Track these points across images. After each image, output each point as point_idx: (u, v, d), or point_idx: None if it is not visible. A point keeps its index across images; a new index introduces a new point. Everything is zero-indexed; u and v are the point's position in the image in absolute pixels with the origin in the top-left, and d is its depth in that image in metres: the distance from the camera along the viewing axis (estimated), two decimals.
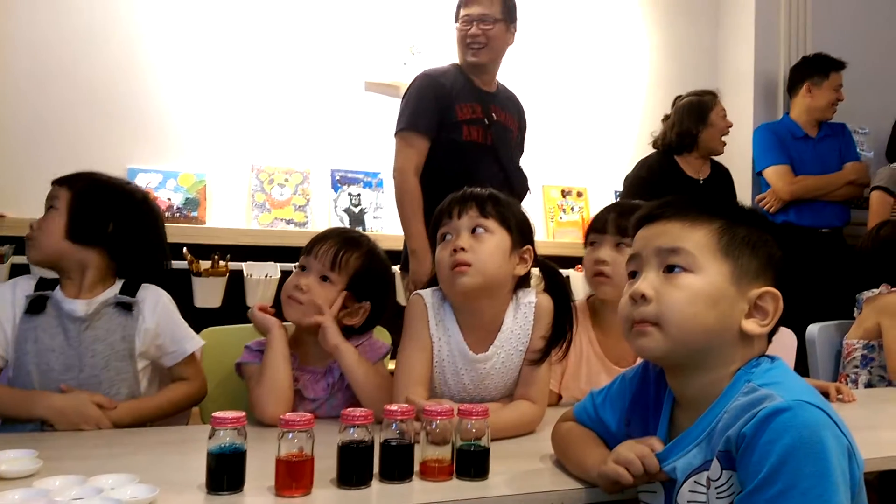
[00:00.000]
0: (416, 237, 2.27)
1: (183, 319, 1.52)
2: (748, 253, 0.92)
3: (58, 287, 1.45)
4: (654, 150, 3.02)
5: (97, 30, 2.86)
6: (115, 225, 1.46)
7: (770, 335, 0.95)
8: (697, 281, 0.90)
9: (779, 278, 0.93)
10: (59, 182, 1.50)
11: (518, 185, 2.48)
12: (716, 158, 3.07)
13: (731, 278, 0.91)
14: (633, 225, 1.01)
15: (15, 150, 2.75)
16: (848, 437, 0.83)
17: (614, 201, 1.61)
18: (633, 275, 0.96)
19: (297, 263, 1.48)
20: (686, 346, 0.91)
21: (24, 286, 1.45)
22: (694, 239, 0.92)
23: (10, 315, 1.40)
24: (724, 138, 2.97)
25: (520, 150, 2.65)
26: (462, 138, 2.40)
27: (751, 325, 0.91)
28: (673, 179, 2.88)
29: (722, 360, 0.91)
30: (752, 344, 0.92)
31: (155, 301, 1.47)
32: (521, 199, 2.38)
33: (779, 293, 0.91)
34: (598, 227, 1.54)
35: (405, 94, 2.48)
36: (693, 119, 2.93)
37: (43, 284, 1.46)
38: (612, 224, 1.51)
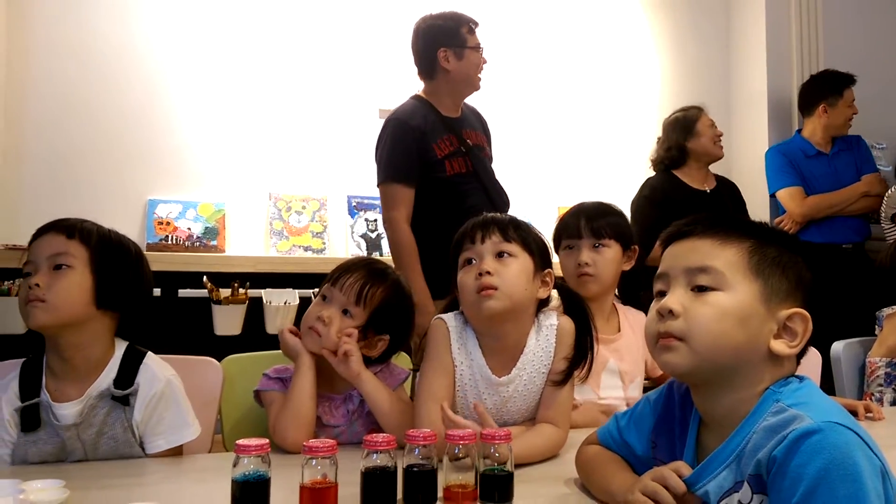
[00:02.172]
0: (418, 292, 1.98)
1: (178, 411, 1.34)
2: (778, 273, 0.91)
3: (43, 385, 1.28)
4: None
5: (117, 68, 2.93)
6: (134, 285, 1.34)
7: (799, 357, 0.94)
8: (727, 299, 0.90)
9: (808, 300, 0.92)
10: (61, 232, 1.29)
11: (500, 202, 2.45)
12: (721, 173, 3.10)
13: (761, 298, 0.90)
14: (661, 242, 1.01)
15: (40, 183, 2.81)
16: (881, 458, 0.81)
17: (578, 205, 1.78)
18: (661, 294, 0.95)
19: (318, 291, 1.48)
20: (713, 363, 0.90)
21: (10, 397, 1.27)
22: (724, 257, 0.91)
23: (8, 435, 1.26)
24: (720, 145, 2.96)
25: (491, 162, 2.60)
26: (447, 174, 2.38)
27: (779, 346, 0.90)
28: (678, 193, 2.89)
29: (750, 379, 0.90)
30: (781, 364, 0.91)
31: (146, 394, 1.30)
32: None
33: (808, 315, 0.90)
34: (572, 233, 1.71)
35: (380, 140, 2.43)
36: (680, 132, 2.98)
37: (27, 386, 1.27)
38: (587, 229, 1.69)
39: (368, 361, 1.43)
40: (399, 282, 1.48)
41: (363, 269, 1.44)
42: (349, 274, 1.43)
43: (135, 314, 1.36)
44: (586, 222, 1.69)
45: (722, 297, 0.90)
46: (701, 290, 0.91)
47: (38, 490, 1.00)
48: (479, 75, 2.48)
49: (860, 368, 2.26)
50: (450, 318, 1.38)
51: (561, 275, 1.70)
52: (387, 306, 1.43)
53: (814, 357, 1.93)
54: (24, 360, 1.31)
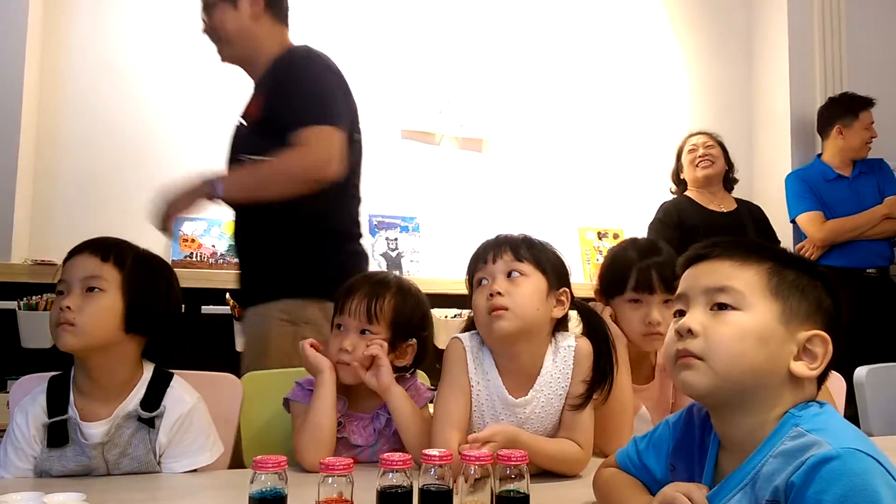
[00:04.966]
0: None
1: (198, 436, 1.34)
2: (798, 295, 0.91)
3: (71, 402, 1.29)
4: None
5: (146, 87, 3.00)
6: (163, 310, 1.35)
7: (820, 381, 0.93)
8: (746, 318, 0.89)
9: (828, 325, 0.92)
10: (96, 253, 1.29)
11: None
12: (742, 195, 3.14)
13: (781, 318, 0.90)
14: (680, 265, 1.01)
15: (69, 200, 2.87)
16: None
17: (632, 243, 1.61)
18: (680, 314, 0.95)
19: (334, 320, 1.48)
20: (732, 384, 0.89)
21: (37, 412, 1.28)
22: (743, 278, 0.91)
23: (32, 449, 1.28)
24: (703, 165, 2.99)
25: (276, 121, 1.82)
26: None
27: (799, 368, 0.89)
28: (692, 215, 2.91)
29: (769, 401, 0.89)
30: (802, 387, 0.90)
31: (172, 417, 1.31)
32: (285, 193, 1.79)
33: (828, 337, 0.90)
34: (642, 286, 1.52)
35: None
36: (676, 161, 3.11)
37: (54, 401, 1.28)
38: (659, 282, 1.51)
39: (405, 370, 1.46)
40: (403, 285, 1.48)
41: (363, 288, 1.44)
42: (352, 297, 1.43)
43: (162, 338, 1.37)
44: (659, 276, 1.49)
45: (741, 316, 0.90)
46: (720, 308, 0.91)
47: (59, 502, 1.01)
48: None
49: (886, 395, 2.22)
50: (466, 337, 1.38)
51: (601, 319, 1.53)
52: (400, 313, 1.44)
53: (837, 383, 1.90)
54: (51, 375, 1.33)
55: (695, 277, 0.96)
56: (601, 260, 3.45)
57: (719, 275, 0.93)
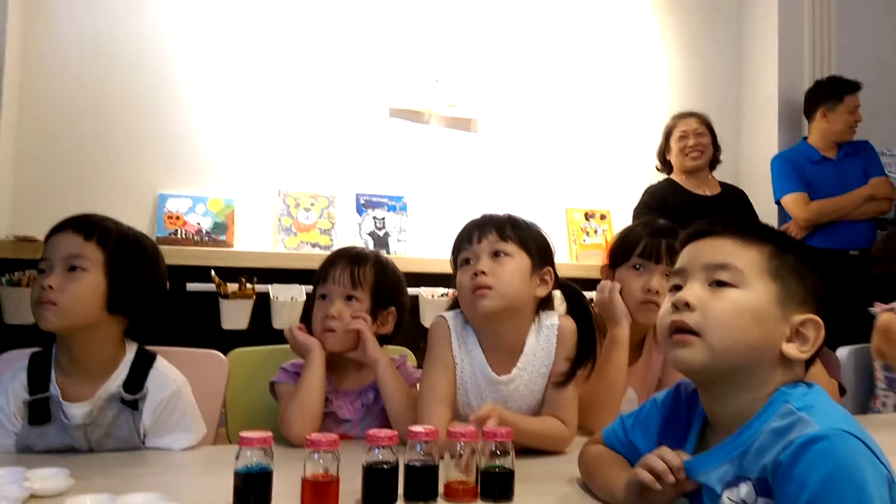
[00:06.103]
0: None
1: (182, 417, 1.33)
2: (796, 279, 0.93)
3: (53, 380, 1.27)
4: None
5: (129, 64, 2.95)
6: (146, 290, 1.33)
7: (808, 365, 0.94)
8: (744, 296, 0.91)
9: (821, 310, 0.93)
10: (79, 232, 1.27)
11: None
12: (728, 177, 3.16)
13: (777, 300, 0.91)
14: (681, 241, 1.01)
15: (53, 176, 2.83)
16: (887, 467, 0.82)
17: (647, 222, 1.65)
18: (676, 289, 0.96)
19: (316, 293, 1.49)
20: (726, 360, 0.90)
21: (17, 388, 1.26)
22: (744, 257, 0.93)
23: (12, 425, 1.26)
24: (692, 156, 2.99)
25: None
26: None
27: (791, 350, 0.90)
28: (677, 198, 2.93)
29: (760, 380, 0.91)
30: (792, 369, 0.92)
31: (155, 399, 1.30)
32: None
33: (821, 322, 0.91)
34: (648, 255, 1.56)
35: None
36: (663, 142, 3.10)
37: (35, 379, 1.27)
38: (666, 254, 1.54)
39: (388, 339, 1.49)
40: (380, 256, 1.54)
41: (345, 257, 1.49)
42: (335, 266, 1.47)
43: (145, 317, 1.36)
44: (667, 247, 1.52)
45: (739, 293, 0.91)
46: (719, 285, 0.92)
47: (42, 478, 1.01)
48: None
49: (864, 374, 2.26)
50: (450, 316, 1.39)
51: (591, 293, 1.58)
52: (380, 280, 1.48)
53: (836, 360, 1.94)
54: (32, 351, 1.32)
55: (696, 253, 0.97)
56: (588, 241, 3.47)
57: (721, 252, 0.94)
